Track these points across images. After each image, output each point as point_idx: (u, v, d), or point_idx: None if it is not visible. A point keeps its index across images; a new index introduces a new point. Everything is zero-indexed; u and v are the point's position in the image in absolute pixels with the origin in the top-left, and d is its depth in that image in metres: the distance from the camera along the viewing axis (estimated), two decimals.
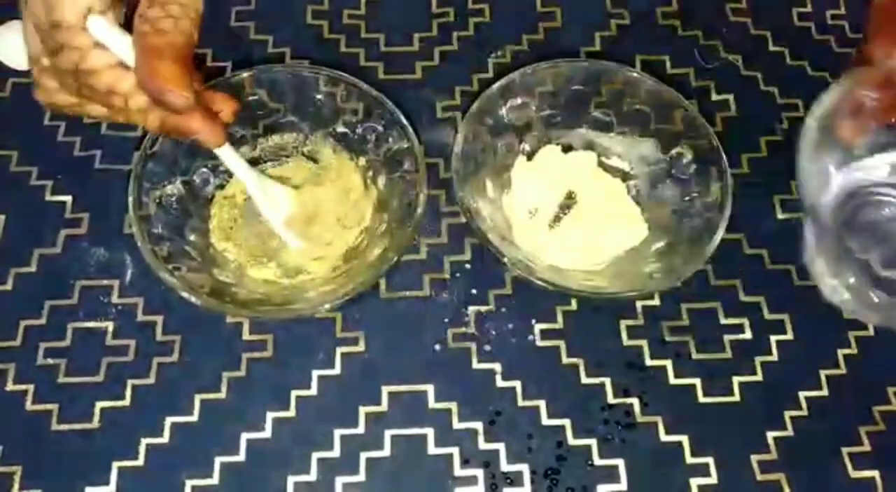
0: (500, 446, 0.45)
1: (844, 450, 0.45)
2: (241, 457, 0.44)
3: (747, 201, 0.48)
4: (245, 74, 0.48)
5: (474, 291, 0.49)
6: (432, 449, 0.45)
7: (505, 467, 0.44)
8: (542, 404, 0.46)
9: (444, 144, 0.53)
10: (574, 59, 0.51)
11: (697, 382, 0.47)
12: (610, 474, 0.44)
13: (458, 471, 0.44)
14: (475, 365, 0.47)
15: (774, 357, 0.48)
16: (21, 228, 0.50)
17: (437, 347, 0.47)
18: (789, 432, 0.46)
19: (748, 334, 0.49)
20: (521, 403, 0.46)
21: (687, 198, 0.49)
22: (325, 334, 0.47)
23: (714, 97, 0.56)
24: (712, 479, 0.44)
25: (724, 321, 0.49)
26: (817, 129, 0.38)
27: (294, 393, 0.46)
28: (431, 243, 0.51)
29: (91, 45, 0.36)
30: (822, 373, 0.48)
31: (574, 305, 0.49)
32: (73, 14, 0.35)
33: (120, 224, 0.50)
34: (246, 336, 0.47)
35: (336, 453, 0.44)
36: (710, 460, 0.45)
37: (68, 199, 0.51)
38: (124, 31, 0.37)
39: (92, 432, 0.44)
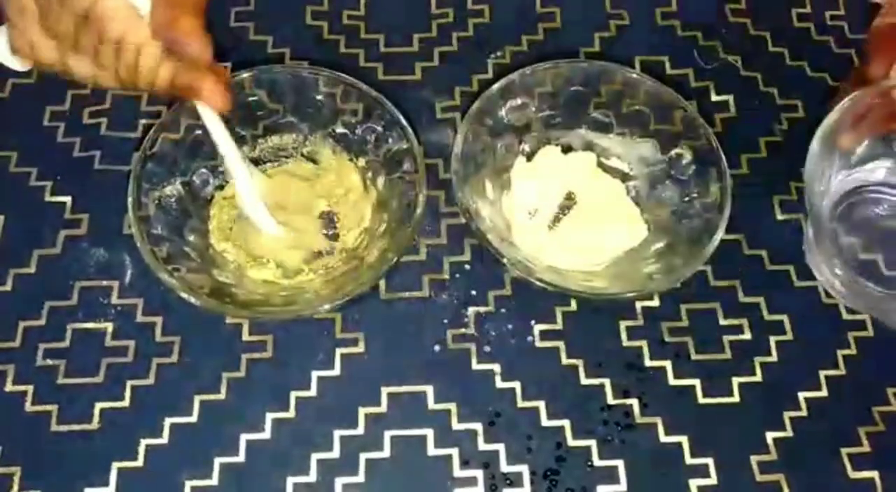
0: (500, 447, 0.45)
1: (844, 450, 0.45)
2: (240, 458, 0.44)
3: (747, 202, 0.48)
4: (245, 75, 0.48)
5: (474, 292, 0.49)
6: (432, 450, 0.45)
7: (504, 467, 0.44)
8: (541, 404, 0.46)
9: (443, 144, 0.53)
10: (573, 60, 0.51)
11: (697, 382, 0.47)
12: (609, 475, 0.44)
13: (458, 472, 0.44)
14: (475, 366, 0.47)
15: (774, 358, 0.48)
16: (20, 229, 0.50)
17: (437, 347, 0.47)
18: (789, 433, 0.46)
19: (748, 335, 0.49)
20: (520, 403, 0.46)
21: (686, 198, 0.49)
22: (325, 335, 0.47)
23: (713, 98, 0.56)
24: (712, 480, 0.44)
25: (723, 322, 0.49)
26: (823, 140, 0.43)
27: (294, 394, 0.46)
28: (431, 244, 0.51)
29: None
30: (822, 373, 0.48)
31: (573, 305, 0.49)
32: None
33: (119, 225, 0.50)
34: (245, 337, 0.47)
35: (336, 453, 0.44)
36: (709, 461, 0.45)
37: (68, 199, 0.51)
38: None
39: (91, 432, 0.44)
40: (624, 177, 0.53)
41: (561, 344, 0.48)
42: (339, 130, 0.51)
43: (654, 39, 0.59)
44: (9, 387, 0.45)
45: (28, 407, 0.45)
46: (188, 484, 0.43)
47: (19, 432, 0.44)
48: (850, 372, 0.48)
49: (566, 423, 0.46)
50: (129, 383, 0.45)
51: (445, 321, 0.48)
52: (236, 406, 0.45)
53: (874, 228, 0.50)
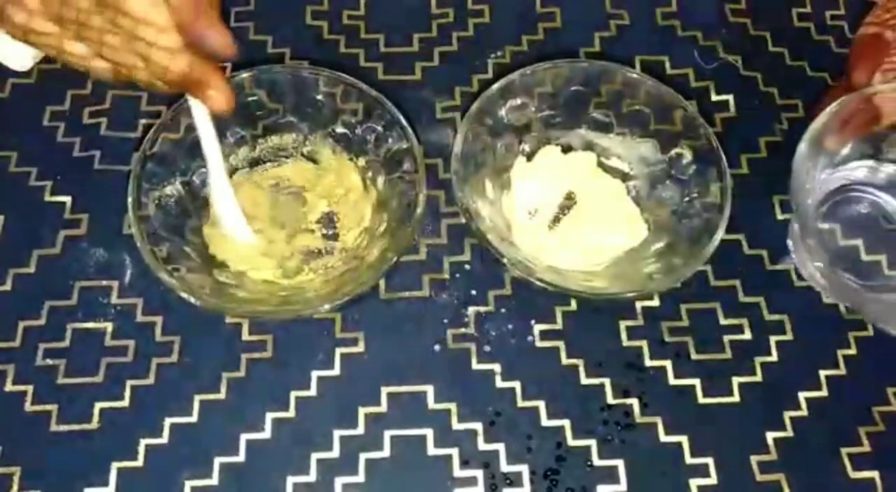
0: (500, 447, 0.45)
1: (844, 450, 0.45)
2: (240, 457, 0.44)
3: (747, 202, 0.48)
4: (245, 75, 0.48)
5: (474, 292, 0.49)
6: (432, 450, 0.45)
7: (504, 467, 0.44)
8: (541, 404, 0.46)
9: (443, 144, 0.53)
10: (574, 60, 0.51)
11: (697, 382, 0.47)
12: (609, 475, 0.44)
13: (458, 472, 0.44)
14: (475, 366, 0.47)
15: (774, 358, 0.48)
16: (20, 229, 0.50)
17: (437, 347, 0.47)
18: (789, 433, 0.46)
19: (748, 335, 0.49)
20: (520, 403, 0.46)
21: (686, 198, 0.49)
22: (325, 335, 0.47)
23: (714, 98, 0.56)
24: (712, 479, 0.44)
25: (723, 322, 0.49)
26: (810, 142, 0.45)
27: (293, 394, 0.46)
28: (431, 244, 0.51)
29: None
30: (822, 373, 0.48)
31: (574, 305, 0.49)
32: None
33: (119, 225, 0.50)
34: (245, 337, 0.47)
35: (335, 453, 0.44)
36: (709, 461, 0.45)
37: (67, 199, 0.51)
38: None
39: (91, 432, 0.44)
40: (624, 177, 0.53)
41: (561, 344, 0.48)
42: (339, 129, 0.51)
43: (655, 39, 0.59)
44: (9, 387, 0.45)
45: (28, 407, 0.45)
46: (188, 484, 0.43)
47: (19, 431, 0.44)
48: (850, 372, 0.48)
49: (566, 423, 0.46)
50: (128, 383, 0.45)
51: (445, 321, 0.48)
52: (236, 406, 0.45)
53: (855, 225, 0.52)
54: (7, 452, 0.43)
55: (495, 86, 0.49)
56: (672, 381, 0.47)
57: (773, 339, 0.48)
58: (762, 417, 0.46)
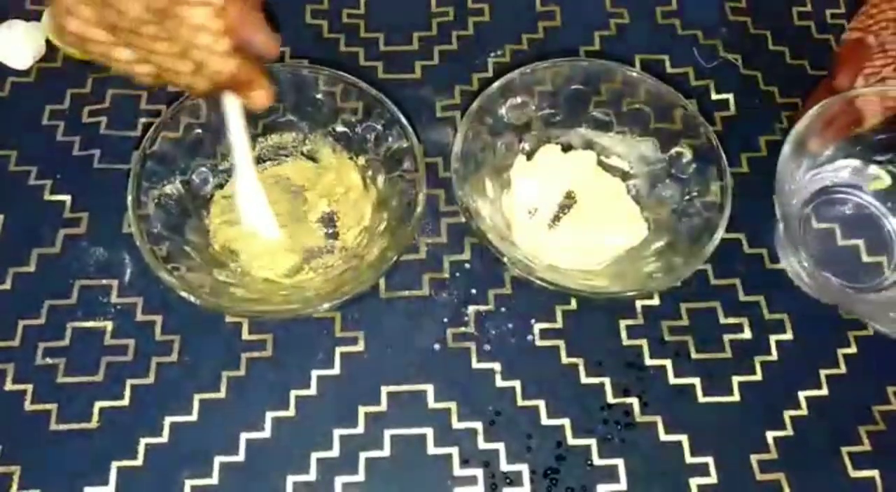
0: (500, 446, 0.45)
1: (844, 450, 0.45)
2: (240, 457, 0.44)
3: (747, 201, 0.48)
4: None
5: (474, 291, 0.49)
6: (432, 449, 0.45)
7: (504, 466, 0.44)
8: (541, 403, 0.46)
9: (443, 143, 0.53)
10: (574, 59, 0.51)
11: (697, 381, 0.47)
12: (609, 474, 0.44)
13: (458, 471, 0.44)
14: (475, 365, 0.47)
15: (774, 357, 0.48)
16: (20, 228, 0.50)
17: (437, 346, 0.47)
18: (789, 432, 0.46)
19: (748, 334, 0.49)
20: (520, 402, 0.46)
21: (686, 197, 0.49)
22: (325, 334, 0.47)
23: (714, 96, 0.56)
24: (712, 479, 0.44)
25: (723, 321, 0.49)
26: (793, 143, 0.46)
27: (293, 393, 0.46)
28: (431, 243, 0.51)
29: None
30: (822, 373, 0.48)
31: (574, 304, 0.49)
32: None
33: (119, 224, 0.50)
34: (245, 336, 0.47)
35: (335, 452, 0.44)
36: (709, 460, 0.45)
37: (67, 198, 0.51)
38: None
39: (91, 431, 0.44)
40: (624, 175, 0.52)
41: (561, 343, 0.48)
42: (339, 128, 0.51)
43: (655, 38, 0.59)
44: (8, 386, 0.45)
45: (28, 406, 0.44)
46: (188, 483, 0.43)
47: (19, 431, 0.44)
48: (851, 371, 0.48)
49: (566, 422, 0.46)
50: (128, 382, 0.45)
51: (445, 320, 0.48)
52: (236, 405, 0.45)
53: (841, 226, 0.52)
54: (7, 451, 0.43)
55: (495, 84, 0.49)
56: (672, 380, 0.47)
57: (773, 338, 0.48)
58: (762, 416, 0.46)
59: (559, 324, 0.48)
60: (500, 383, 0.47)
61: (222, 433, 0.44)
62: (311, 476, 0.44)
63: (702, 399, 0.47)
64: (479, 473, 0.44)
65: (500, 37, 0.58)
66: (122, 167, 0.51)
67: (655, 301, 0.49)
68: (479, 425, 0.45)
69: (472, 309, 0.49)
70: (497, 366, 0.47)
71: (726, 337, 0.48)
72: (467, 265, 0.50)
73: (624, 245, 0.50)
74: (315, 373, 0.46)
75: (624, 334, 0.48)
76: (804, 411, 0.46)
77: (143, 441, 0.44)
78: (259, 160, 0.52)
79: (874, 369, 0.48)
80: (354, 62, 0.56)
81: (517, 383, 0.46)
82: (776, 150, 0.54)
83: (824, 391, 0.47)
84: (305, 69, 0.49)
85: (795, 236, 0.45)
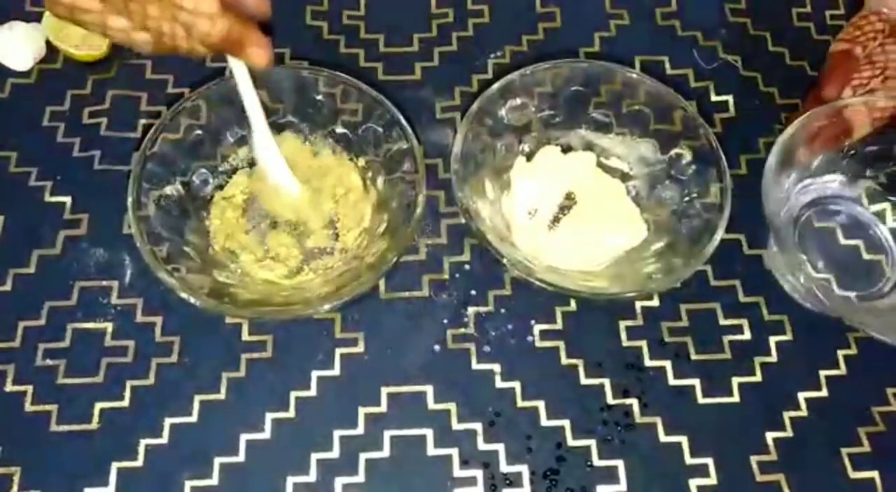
0: (500, 447, 0.45)
1: (844, 450, 0.45)
2: (240, 458, 0.44)
3: (746, 202, 0.48)
4: None
5: (473, 292, 0.49)
6: (432, 450, 0.45)
7: (504, 467, 0.44)
8: (541, 404, 0.46)
9: (443, 144, 0.53)
10: (573, 60, 0.51)
11: (697, 382, 0.47)
12: (609, 475, 0.44)
13: (458, 472, 0.44)
14: (474, 366, 0.47)
15: (774, 358, 0.48)
16: (20, 229, 0.50)
17: (437, 347, 0.47)
18: (789, 433, 0.46)
19: (747, 335, 0.49)
20: (520, 403, 0.46)
21: (686, 198, 0.49)
22: (325, 335, 0.47)
23: (713, 98, 0.56)
24: (711, 479, 0.44)
25: (723, 322, 0.49)
26: (779, 154, 0.46)
27: (293, 394, 0.46)
28: (431, 244, 0.51)
29: None
30: (822, 373, 0.48)
31: (573, 305, 0.49)
32: None
33: (119, 225, 0.50)
34: (245, 337, 0.47)
35: (335, 453, 0.44)
36: (709, 461, 0.45)
37: (68, 199, 0.51)
38: None
39: (91, 432, 0.44)
40: (624, 177, 0.53)
41: (561, 344, 0.48)
42: (339, 129, 0.51)
43: (655, 39, 0.59)
44: (9, 387, 0.45)
45: (28, 407, 0.45)
46: (188, 484, 0.43)
47: (19, 432, 0.44)
48: (850, 372, 0.48)
49: (566, 423, 0.46)
50: (128, 383, 0.45)
51: (445, 321, 0.48)
52: (236, 406, 0.45)
53: (831, 238, 0.52)
54: (7, 452, 0.43)
55: (495, 86, 0.49)
56: (672, 381, 0.47)
57: (772, 339, 0.48)
58: (762, 417, 0.46)
59: (559, 325, 0.48)
60: (499, 383, 0.47)
61: (222, 434, 0.44)
62: (311, 477, 0.44)
63: (701, 400, 0.47)
64: (478, 474, 0.44)
65: (500, 38, 0.58)
66: (123, 168, 0.51)
67: (655, 302, 0.49)
68: (478, 426, 0.45)
69: (471, 310, 0.49)
70: (497, 367, 0.47)
71: (726, 338, 0.48)
72: (467, 266, 0.50)
73: (624, 246, 0.50)
74: (315, 374, 0.46)
75: (624, 335, 0.48)
76: (804, 412, 0.46)
77: (143, 442, 0.44)
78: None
79: (874, 370, 0.48)
80: (354, 63, 0.56)
81: (517, 384, 0.47)
82: None
83: (824, 392, 0.47)
84: (305, 71, 0.49)
85: (788, 248, 0.45)
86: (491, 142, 0.50)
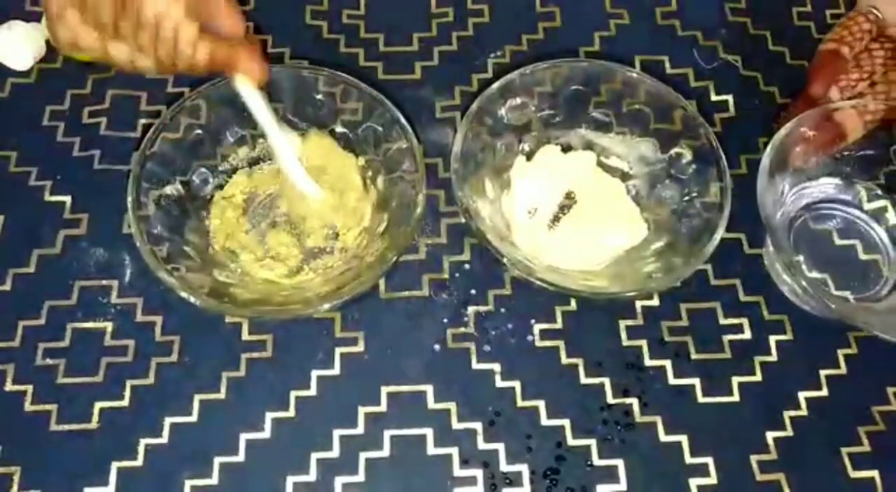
0: (500, 447, 0.45)
1: (844, 450, 0.45)
2: (240, 457, 0.44)
3: (746, 201, 0.48)
4: None
5: (473, 292, 0.49)
6: (431, 449, 0.45)
7: (504, 467, 0.44)
8: (541, 404, 0.46)
9: (443, 143, 0.53)
10: (573, 60, 0.51)
11: (697, 382, 0.47)
12: (609, 475, 0.44)
13: (458, 471, 0.44)
14: (474, 365, 0.47)
15: (774, 357, 0.48)
16: (20, 229, 0.50)
17: (437, 347, 0.47)
18: (789, 433, 0.46)
19: (748, 334, 0.49)
20: (520, 403, 0.46)
21: (686, 198, 0.49)
22: (325, 335, 0.47)
23: (713, 97, 0.56)
24: (712, 479, 0.44)
25: (723, 321, 0.49)
26: (773, 155, 0.46)
27: (293, 393, 0.46)
28: (431, 243, 0.51)
29: None
30: (822, 373, 0.48)
31: (573, 305, 0.49)
32: None
33: (119, 224, 0.50)
34: (245, 336, 0.47)
35: (335, 453, 0.44)
36: (709, 461, 0.45)
37: (67, 199, 0.51)
38: None
39: (91, 432, 0.44)
40: (624, 176, 0.53)
41: (561, 343, 0.48)
42: (339, 129, 0.51)
43: (654, 39, 0.59)
44: (8, 386, 0.45)
45: (28, 407, 0.45)
46: (188, 484, 0.43)
47: (19, 431, 0.44)
48: (850, 371, 0.48)
49: (566, 422, 0.46)
50: (128, 383, 0.45)
51: (445, 321, 0.48)
52: (236, 406, 0.45)
53: (828, 240, 0.52)
54: (7, 452, 0.43)
55: (495, 85, 0.49)
56: (672, 380, 0.47)
57: (772, 338, 0.48)
58: (762, 416, 0.46)
59: (559, 324, 0.48)
60: (499, 383, 0.47)
61: (222, 434, 0.44)
62: (311, 477, 0.44)
63: (701, 400, 0.47)
64: (478, 473, 0.44)
65: (500, 37, 0.58)
66: (122, 168, 0.51)
67: (655, 302, 0.49)
68: (478, 426, 0.45)
69: (471, 309, 0.49)
70: (497, 366, 0.47)
71: (726, 337, 0.48)
72: (467, 266, 0.50)
73: (624, 246, 0.50)
74: (315, 373, 0.46)
75: (624, 335, 0.48)
76: (804, 412, 0.46)
77: (143, 442, 0.44)
78: (259, 160, 0.52)
79: (874, 369, 0.48)
80: (354, 63, 0.56)
81: (517, 384, 0.47)
82: None
83: (824, 392, 0.47)
84: (305, 70, 0.49)
85: (784, 251, 0.45)
86: (491, 141, 0.50)
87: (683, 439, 0.45)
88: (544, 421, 0.46)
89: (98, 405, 0.45)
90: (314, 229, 0.50)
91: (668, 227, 0.49)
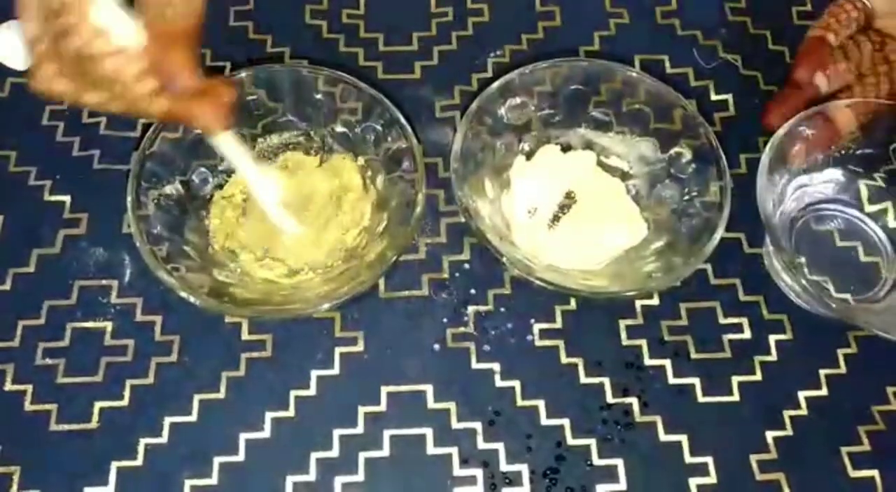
0: (499, 446, 0.45)
1: (844, 450, 0.45)
2: (240, 457, 0.44)
3: (746, 201, 0.48)
4: (244, 74, 0.48)
5: (473, 291, 0.49)
6: (431, 449, 0.45)
7: (504, 466, 0.44)
8: (541, 403, 0.46)
9: (443, 143, 0.53)
10: (573, 59, 0.51)
11: (696, 381, 0.47)
12: (609, 474, 0.44)
13: (457, 471, 0.44)
14: (474, 365, 0.47)
15: (773, 357, 0.48)
16: (20, 228, 0.50)
17: (436, 346, 0.47)
18: (789, 432, 0.46)
19: (747, 334, 0.49)
20: (520, 402, 0.46)
21: (686, 197, 0.49)
22: (324, 334, 0.47)
23: (713, 97, 0.56)
24: (711, 479, 0.44)
25: (723, 321, 0.49)
26: (772, 153, 0.46)
27: (293, 393, 0.46)
28: (430, 243, 0.51)
29: (95, 30, 0.36)
30: (822, 372, 0.48)
31: (573, 304, 0.49)
32: None
33: (119, 224, 0.50)
34: (245, 336, 0.47)
35: (335, 453, 0.44)
36: (709, 460, 0.45)
37: (67, 199, 0.51)
38: (129, 13, 0.36)
39: (91, 432, 0.44)
40: (624, 176, 0.52)
41: (560, 343, 0.48)
42: (339, 128, 0.51)
43: (654, 38, 0.59)
44: (8, 386, 0.45)
45: (27, 406, 0.45)
46: (188, 483, 0.43)
47: (19, 431, 0.44)
48: (850, 371, 0.48)
49: (566, 422, 0.46)
50: (128, 383, 0.45)
51: (445, 320, 0.48)
52: (236, 405, 0.45)
53: (828, 240, 0.52)
54: (7, 451, 0.43)
55: (495, 85, 0.49)
56: (671, 380, 0.47)
57: (772, 338, 0.48)
58: (762, 416, 0.46)
59: (559, 324, 0.48)
60: (499, 383, 0.47)
61: (222, 433, 0.44)
62: (311, 476, 0.44)
63: (701, 399, 0.47)
64: (478, 473, 0.44)
65: (500, 37, 0.58)
66: (122, 168, 0.51)
67: (655, 301, 0.49)
68: (478, 425, 0.45)
69: (471, 309, 0.49)
70: (496, 366, 0.47)
71: (726, 337, 0.48)
72: (467, 265, 0.50)
73: (623, 245, 0.50)
74: (315, 373, 0.46)
75: (623, 334, 0.48)
76: (804, 411, 0.46)
77: (143, 441, 0.44)
78: (258, 159, 0.52)
79: (874, 369, 0.48)
80: (354, 62, 0.56)
81: (517, 383, 0.46)
82: None
83: (824, 391, 0.47)
84: (305, 69, 0.49)
85: (784, 251, 0.45)
86: (490, 141, 0.50)
87: (683, 439, 0.45)
88: (544, 421, 0.46)
89: (98, 405, 0.45)
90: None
91: (667, 226, 0.49)
